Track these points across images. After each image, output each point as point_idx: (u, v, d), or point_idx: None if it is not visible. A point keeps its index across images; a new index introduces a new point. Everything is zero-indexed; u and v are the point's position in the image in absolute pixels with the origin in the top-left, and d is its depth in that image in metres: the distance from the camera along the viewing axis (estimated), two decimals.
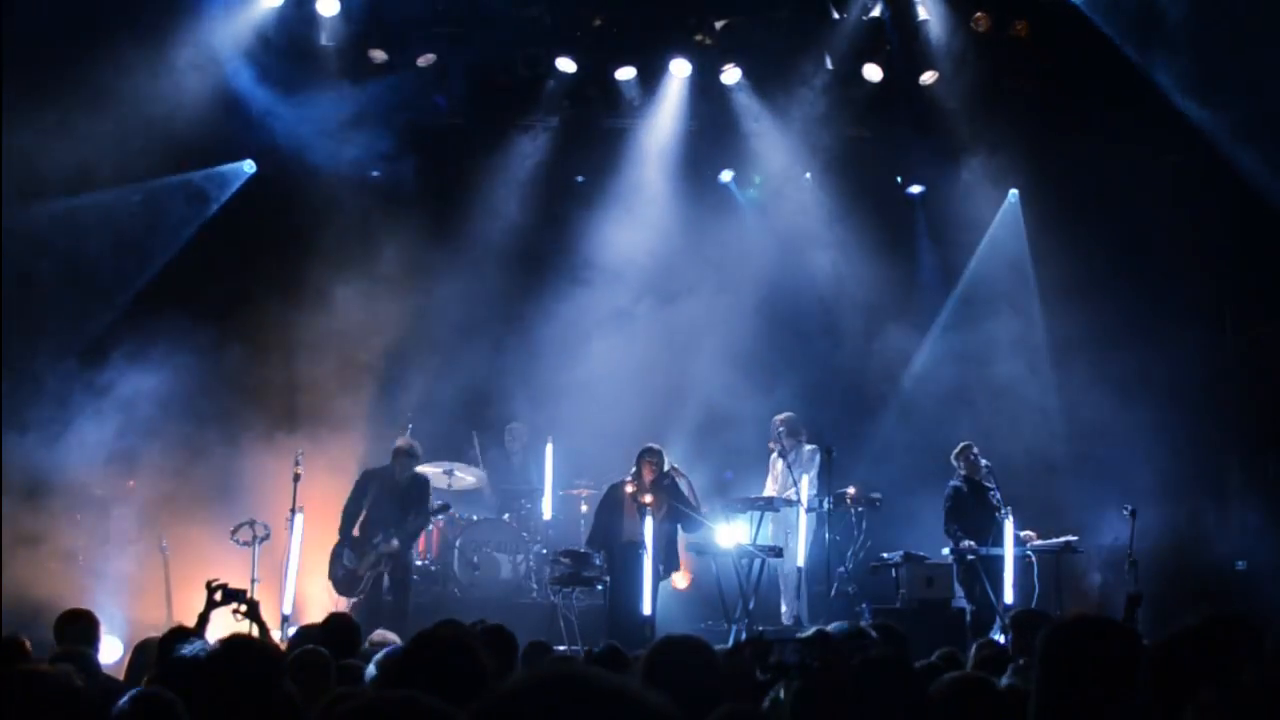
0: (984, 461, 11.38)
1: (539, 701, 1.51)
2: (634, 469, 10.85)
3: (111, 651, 9.17)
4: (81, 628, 6.71)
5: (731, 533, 11.07)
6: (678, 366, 12.95)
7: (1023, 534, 11.11)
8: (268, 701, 3.91)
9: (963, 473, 11.49)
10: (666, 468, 10.90)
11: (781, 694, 3.42)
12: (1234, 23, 11.44)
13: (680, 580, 11.67)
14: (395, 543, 10.82)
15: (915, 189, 14.12)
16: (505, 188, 13.67)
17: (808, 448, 12.01)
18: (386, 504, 11.00)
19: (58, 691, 3.34)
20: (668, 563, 10.84)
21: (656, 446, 10.99)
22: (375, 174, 13.46)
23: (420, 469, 11.82)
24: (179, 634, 5.53)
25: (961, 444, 11.56)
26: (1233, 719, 1.49)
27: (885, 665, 3.32)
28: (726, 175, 14.00)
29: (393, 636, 7.22)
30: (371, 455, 12.12)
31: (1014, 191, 13.77)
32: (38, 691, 3.32)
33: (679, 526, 10.93)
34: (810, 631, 3.66)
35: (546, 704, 1.51)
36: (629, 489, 10.71)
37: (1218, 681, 1.56)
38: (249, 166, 13.28)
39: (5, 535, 10.52)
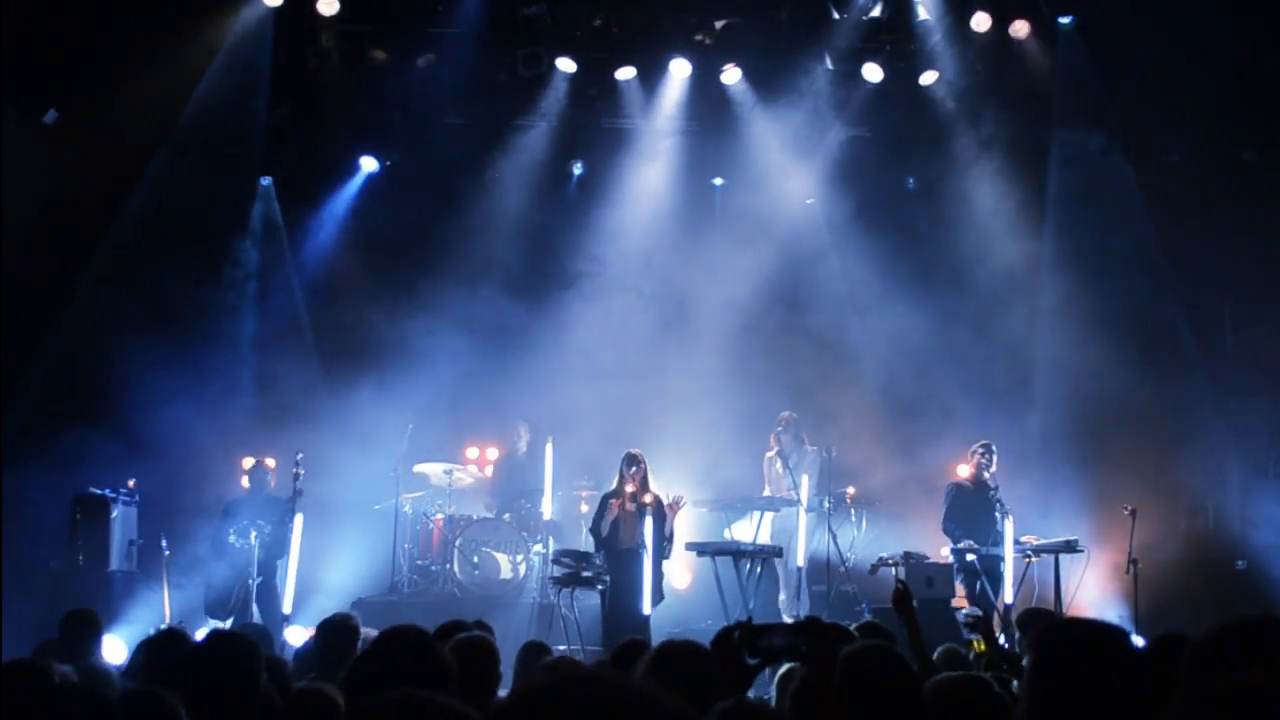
0: (989, 462, 11.35)
1: (559, 703, 1.51)
2: (629, 470, 10.75)
3: (114, 652, 9.17)
4: (85, 627, 6.80)
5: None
6: (677, 368, 12.95)
7: (1024, 538, 11.10)
8: (253, 694, 3.92)
9: (967, 472, 11.47)
10: (667, 499, 10.76)
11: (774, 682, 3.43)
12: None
13: (680, 580, 11.65)
14: None
15: (916, 183, 14.11)
16: (505, 188, 13.69)
17: (809, 448, 11.99)
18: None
19: (51, 684, 3.34)
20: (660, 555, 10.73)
21: (639, 453, 10.90)
22: (373, 174, 13.48)
23: (418, 468, 12.04)
24: (172, 636, 5.53)
25: (981, 442, 11.42)
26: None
27: (876, 653, 3.33)
28: (719, 179, 14.01)
29: (371, 631, 7.22)
30: (371, 456, 12.14)
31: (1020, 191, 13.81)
32: (31, 685, 3.33)
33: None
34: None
35: (566, 706, 1.50)
36: (629, 488, 10.66)
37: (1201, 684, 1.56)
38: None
39: (5, 535, 10.53)
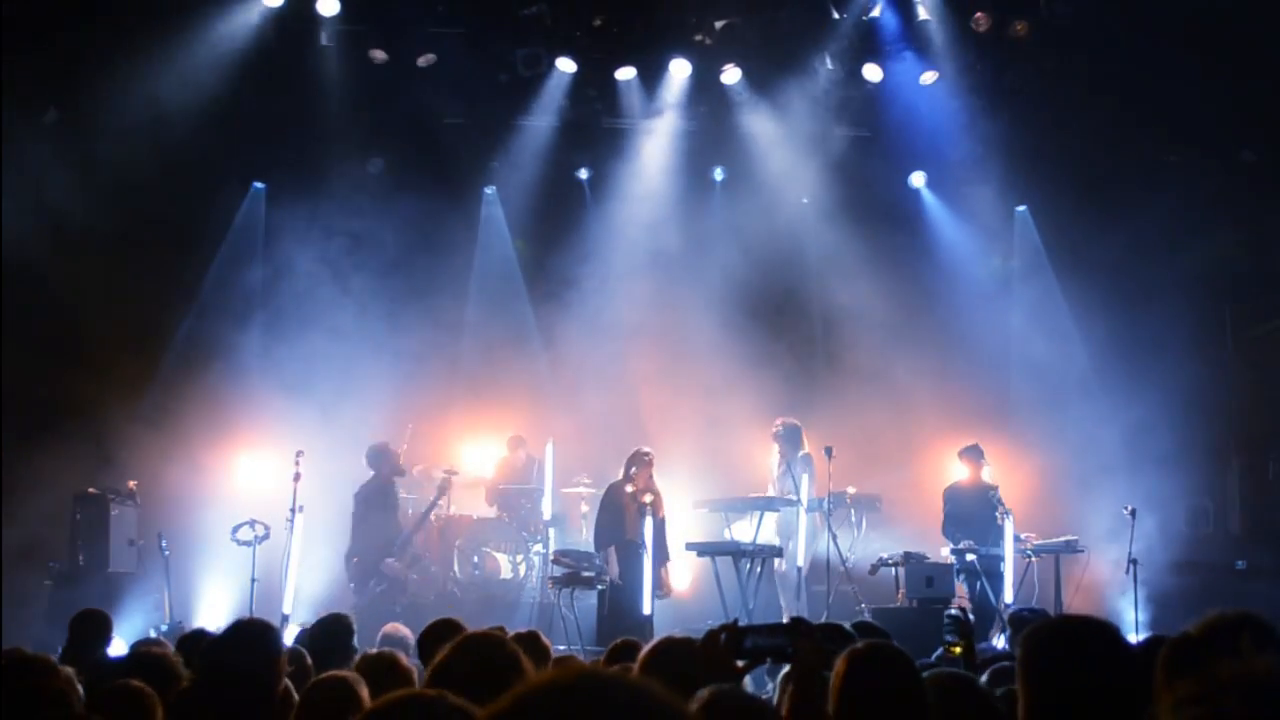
0: (985, 462, 11.36)
1: (559, 702, 1.50)
2: (633, 469, 10.77)
3: (117, 652, 9.19)
4: (95, 627, 6.82)
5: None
6: (677, 367, 12.94)
7: (1023, 535, 11.11)
8: (271, 687, 3.93)
9: (965, 473, 11.47)
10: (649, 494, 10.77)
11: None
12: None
13: (680, 580, 11.64)
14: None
15: (917, 182, 14.10)
16: (505, 188, 13.69)
17: (807, 454, 11.95)
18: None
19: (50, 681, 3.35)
20: (660, 556, 10.75)
21: (648, 450, 10.91)
22: (372, 174, 13.49)
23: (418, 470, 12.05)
24: (195, 636, 5.55)
25: (967, 444, 11.52)
26: (1202, 714, 1.48)
27: (882, 651, 3.32)
28: (719, 173, 14.00)
29: (405, 630, 7.24)
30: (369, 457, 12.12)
31: (1022, 208, 13.86)
32: (32, 682, 3.34)
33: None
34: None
35: (567, 705, 1.50)
36: (629, 488, 10.66)
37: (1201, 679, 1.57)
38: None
39: (5, 536, 10.54)
